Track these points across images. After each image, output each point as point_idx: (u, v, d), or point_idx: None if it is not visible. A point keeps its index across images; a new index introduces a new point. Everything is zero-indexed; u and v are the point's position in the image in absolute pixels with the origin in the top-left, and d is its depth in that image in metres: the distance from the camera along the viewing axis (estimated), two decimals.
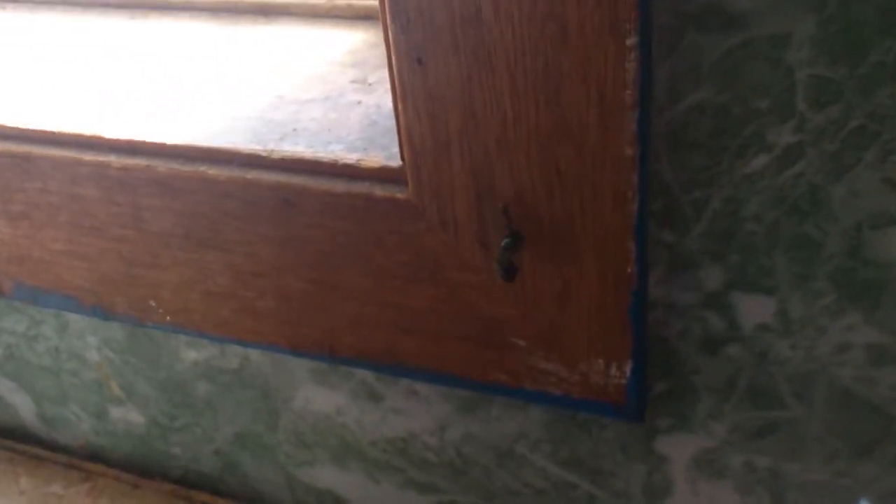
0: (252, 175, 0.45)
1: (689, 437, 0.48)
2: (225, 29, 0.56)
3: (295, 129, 0.46)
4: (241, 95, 0.50)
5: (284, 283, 0.48)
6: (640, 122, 0.36)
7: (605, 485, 0.53)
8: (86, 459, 0.72)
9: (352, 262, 0.45)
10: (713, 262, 0.42)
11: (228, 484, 0.68)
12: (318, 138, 0.45)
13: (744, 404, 0.46)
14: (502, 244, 0.40)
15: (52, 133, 0.49)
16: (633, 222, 0.38)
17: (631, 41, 0.34)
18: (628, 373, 0.43)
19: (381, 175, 0.43)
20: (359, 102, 0.47)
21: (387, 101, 0.46)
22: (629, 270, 0.40)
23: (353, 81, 0.49)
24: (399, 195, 0.42)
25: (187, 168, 0.46)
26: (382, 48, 0.39)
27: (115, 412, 0.68)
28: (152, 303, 0.52)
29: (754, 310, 0.42)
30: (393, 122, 0.41)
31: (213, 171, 0.46)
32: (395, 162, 0.42)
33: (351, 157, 0.44)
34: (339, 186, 0.43)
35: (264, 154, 0.45)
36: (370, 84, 0.49)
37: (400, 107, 0.40)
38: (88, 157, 0.48)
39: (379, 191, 0.43)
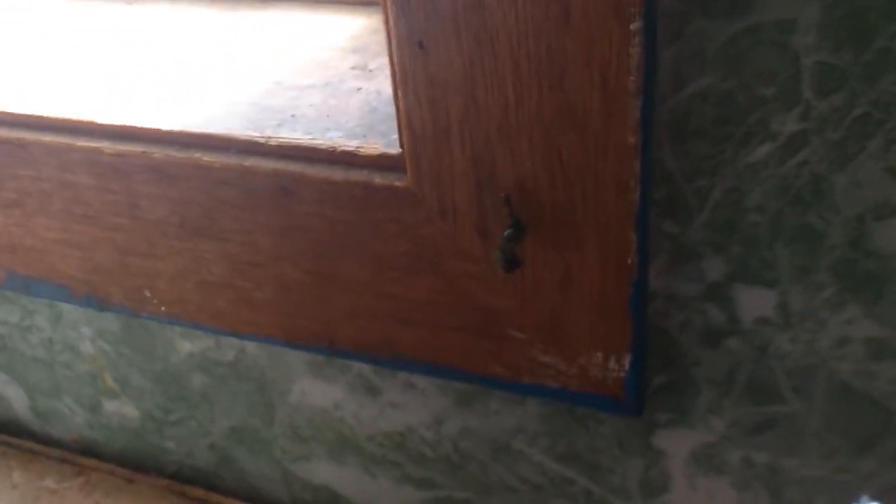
0: (249, 162, 0.44)
1: (688, 432, 0.48)
2: (223, 14, 0.56)
3: (293, 116, 0.46)
4: (238, 81, 0.49)
5: (281, 273, 0.47)
6: (644, 108, 0.35)
7: (602, 480, 0.52)
8: (79, 453, 0.72)
9: (350, 251, 0.45)
10: (715, 253, 0.41)
11: (224, 479, 0.67)
12: (317, 125, 0.45)
13: (743, 399, 0.45)
14: (505, 234, 0.40)
15: (45, 118, 0.49)
16: (635, 211, 0.38)
17: (635, 25, 0.34)
18: (627, 366, 0.43)
19: (381, 163, 0.43)
20: (359, 89, 0.47)
21: (387, 88, 0.46)
22: (630, 261, 0.39)
23: (353, 68, 0.49)
24: (398, 183, 0.42)
25: (183, 155, 0.46)
26: (384, 34, 0.39)
27: (110, 405, 0.67)
28: (147, 293, 0.52)
29: (755, 302, 0.42)
30: (393, 109, 0.41)
31: (209, 157, 0.45)
32: (395, 149, 0.42)
33: (350, 145, 0.43)
34: (338, 174, 0.43)
35: (261, 140, 0.44)
36: (371, 70, 0.48)
37: (400, 92, 0.39)
38: (82, 142, 0.48)
39: (378, 179, 0.42)
